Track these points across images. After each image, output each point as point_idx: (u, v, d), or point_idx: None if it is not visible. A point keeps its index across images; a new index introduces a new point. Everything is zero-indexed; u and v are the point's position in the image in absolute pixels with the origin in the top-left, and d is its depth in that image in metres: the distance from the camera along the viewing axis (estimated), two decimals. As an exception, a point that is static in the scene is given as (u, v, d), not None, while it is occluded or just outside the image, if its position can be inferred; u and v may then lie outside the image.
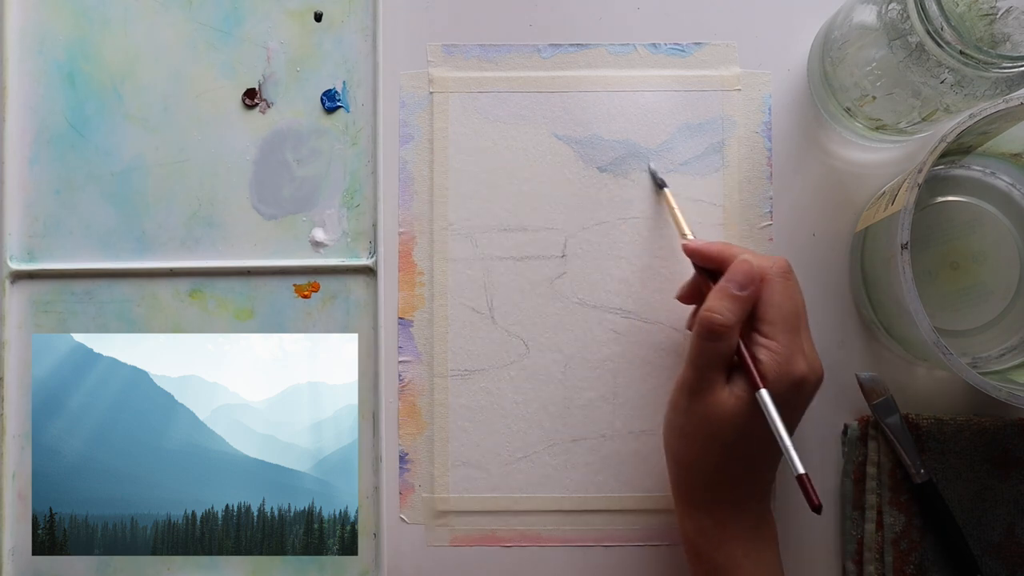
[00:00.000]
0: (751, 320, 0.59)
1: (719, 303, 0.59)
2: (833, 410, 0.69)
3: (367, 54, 0.70)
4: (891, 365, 0.68)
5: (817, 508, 0.54)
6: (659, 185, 0.69)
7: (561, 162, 0.70)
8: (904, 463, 0.65)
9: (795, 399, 0.59)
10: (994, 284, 0.65)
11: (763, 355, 0.58)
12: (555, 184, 0.70)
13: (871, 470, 0.66)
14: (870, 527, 0.66)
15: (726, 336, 0.58)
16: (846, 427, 0.68)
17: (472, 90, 0.70)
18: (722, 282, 0.59)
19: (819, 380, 0.60)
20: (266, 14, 0.70)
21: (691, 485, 0.61)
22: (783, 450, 0.56)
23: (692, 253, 0.63)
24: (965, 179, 0.66)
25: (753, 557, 0.60)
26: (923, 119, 0.61)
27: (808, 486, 0.54)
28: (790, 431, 0.59)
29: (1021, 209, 0.66)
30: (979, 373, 0.55)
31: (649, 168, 0.69)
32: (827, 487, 0.69)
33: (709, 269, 0.63)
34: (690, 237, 0.65)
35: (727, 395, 0.58)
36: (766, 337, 0.58)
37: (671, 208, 0.68)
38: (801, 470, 0.55)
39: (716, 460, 0.59)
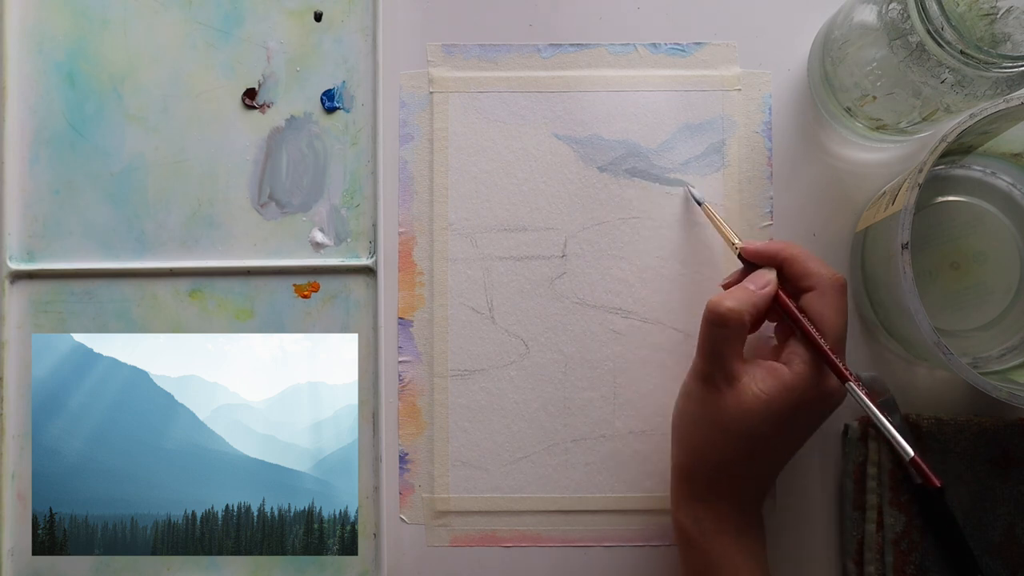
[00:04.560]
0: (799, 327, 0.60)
1: (730, 293, 0.60)
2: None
3: (367, 54, 0.70)
4: (892, 365, 0.68)
5: (939, 489, 0.56)
6: (697, 202, 0.68)
7: (561, 162, 0.70)
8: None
9: (816, 410, 0.60)
10: (994, 284, 0.65)
11: (797, 362, 0.59)
12: (555, 184, 0.70)
13: (871, 470, 0.66)
14: (870, 527, 0.66)
15: (733, 323, 0.58)
16: (846, 427, 0.68)
17: (472, 90, 0.70)
18: (744, 281, 0.61)
19: (840, 401, 0.61)
20: (266, 14, 0.70)
21: (694, 475, 0.61)
22: (888, 437, 0.57)
23: (754, 255, 0.63)
24: (966, 179, 0.66)
25: (746, 550, 0.60)
26: (923, 119, 0.61)
27: (923, 468, 0.56)
28: (803, 441, 0.62)
29: (1021, 209, 0.66)
30: (979, 373, 0.55)
31: (687, 189, 0.69)
32: (827, 487, 0.69)
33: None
34: (738, 243, 0.64)
35: (746, 391, 0.58)
36: (807, 347, 0.59)
37: (715, 221, 0.67)
38: (912, 453, 0.56)
39: (723, 453, 0.59)
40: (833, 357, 0.58)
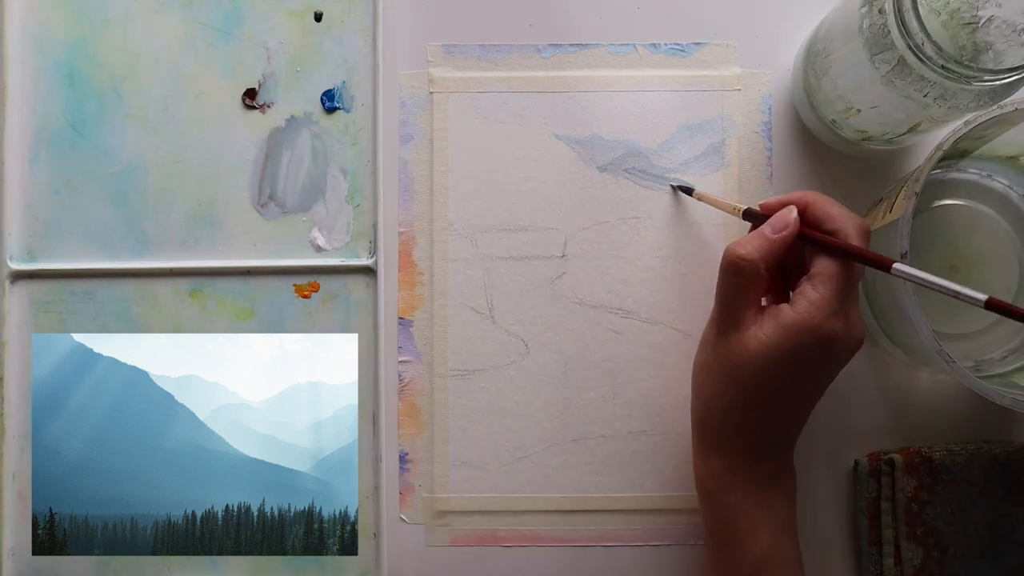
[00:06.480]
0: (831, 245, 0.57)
1: (747, 239, 0.58)
2: (842, 446, 0.69)
3: (367, 54, 0.70)
4: (894, 371, 0.69)
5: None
6: (687, 192, 0.69)
7: (561, 162, 0.70)
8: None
9: (820, 355, 0.56)
10: (994, 286, 0.65)
11: (801, 302, 0.56)
12: (555, 184, 0.70)
13: (885, 505, 0.66)
14: (888, 562, 0.66)
15: (747, 272, 0.57)
16: (856, 463, 0.68)
17: (472, 90, 0.70)
18: (762, 226, 0.59)
19: (856, 343, 0.57)
20: (266, 14, 0.70)
21: (708, 424, 0.60)
22: (954, 294, 0.51)
23: (773, 208, 0.60)
24: (962, 182, 0.66)
25: (764, 504, 0.59)
26: (909, 130, 0.61)
27: (1004, 304, 0.49)
28: (818, 391, 0.59)
29: (1018, 210, 0.66)
30: (982, 376, 0.55)
31: (672, 186, 0.70)
32: (842, 524, 0.69)
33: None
34: (741, 206, 0.63)
35: (751, 336, 0.57)
36: (812, 287, 0.56)
37: (712, 201, 0.66)
38: (984, 297, 0.50)
39: (734, 402, 0.58)
40: (869, 250, 0.55)
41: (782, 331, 0.56)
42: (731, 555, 0.59)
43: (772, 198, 0.61)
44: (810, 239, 0.57)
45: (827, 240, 0.57)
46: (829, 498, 0.69)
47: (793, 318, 0.55)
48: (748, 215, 0.63)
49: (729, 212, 0.65)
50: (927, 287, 0.52)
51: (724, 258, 0.58)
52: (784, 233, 0.57)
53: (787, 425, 0.60)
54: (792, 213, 0.58)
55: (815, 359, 0.57)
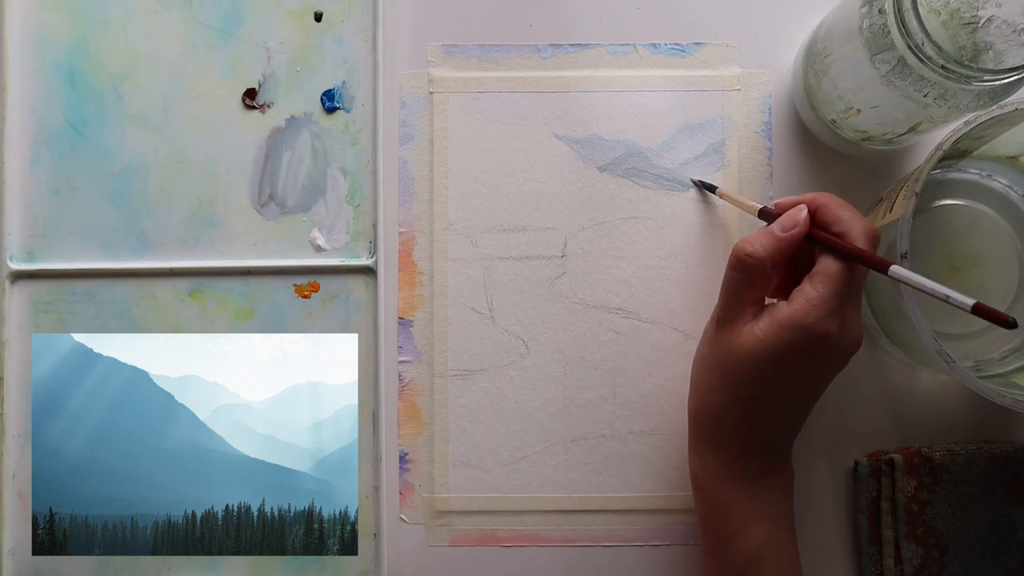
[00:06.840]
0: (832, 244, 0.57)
1: (755, 237, 0.58)
2: (842, 446, 0.69)
3: (367, 54, 0.70)
4: (893, 371, 0.69)
5: (1010, 323, 0.50)
6: (710, 189, 0.69)
7: (561, 162, 0.70)
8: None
9: (812, 354, 0.56)
10: (994, 286, 0.65)
11: (798, 299, 0.56)
12: (555, 184, 0.70)
13: (885, 505, 0.66)
14: (888, 562, 0.66)
15: (752, 269, 0.57)
16: (856, 463, 0.68)
17: (472, 90, 0.70)
18: (772, 224, 0.59)
19: (851, 345, 0.58)
20: (266, 14, 0.70)
21: (703, 420, 0.61)
22: (944, 298, 0.51)
23: (785, 208, 0.60)
24: (962, 182, 0.66)
25: (756, 501, 0.59)
26: (909, 130, 0.61)
27: (990, 310, 0.50)
28: (813, 391, 0.60)
29: (1018, 210, 0.66)
30: (982, 376, 0.55)
31: (692, 181, 0.70)
32: (841, 524, 0.69)
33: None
34: (757, 205, 0.63)
35: (746, 332, 0.57)
36: (811, 286, 0.56)
37: (732, 199, 0.67)
38: (972, 302, 0.50)
39: (728, 397, 0.59)
40: (869, 252, 0.55)
41: (776, 327, 0.56)
42: (724, 550, 0.60)
43: (787, 198, 0.61)
44: (816, 239, 0.58)
45: (830, 240, 0.57)
46: (829, 498, 0.69)
47: (787, 315, 0.56)
48: (763, 214, 0.63)
49: (747, 211, 0.65)
50: (920, 290, 0.53)
51: (732, 254, 0.58)
52: (793, 232, 0.58)
53: (782, 423, 0.60)
54: (802, 212, 0.58)
55: (808, 358, 0.57)
